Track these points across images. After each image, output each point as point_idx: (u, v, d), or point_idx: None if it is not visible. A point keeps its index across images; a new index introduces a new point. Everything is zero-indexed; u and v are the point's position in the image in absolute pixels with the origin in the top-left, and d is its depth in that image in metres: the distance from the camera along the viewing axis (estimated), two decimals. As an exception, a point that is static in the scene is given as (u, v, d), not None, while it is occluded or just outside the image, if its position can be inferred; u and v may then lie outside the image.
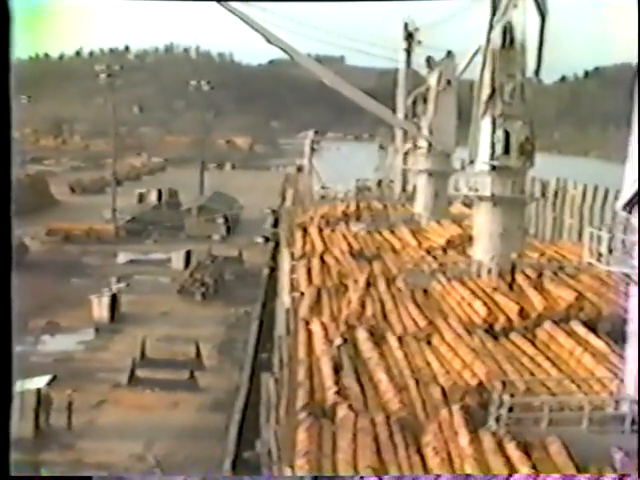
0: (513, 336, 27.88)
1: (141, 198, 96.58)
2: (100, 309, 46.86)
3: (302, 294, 34.45)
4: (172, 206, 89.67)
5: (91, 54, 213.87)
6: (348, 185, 77.41)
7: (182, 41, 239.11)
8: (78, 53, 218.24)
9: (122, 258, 65.79)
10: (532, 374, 24.16)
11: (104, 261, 64.40)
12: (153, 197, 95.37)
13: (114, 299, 47.69)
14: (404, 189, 68.38)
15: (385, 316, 30.64)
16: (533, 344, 26.96)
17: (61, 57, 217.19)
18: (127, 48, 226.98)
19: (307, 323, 29.71)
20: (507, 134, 35.95)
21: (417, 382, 23.12)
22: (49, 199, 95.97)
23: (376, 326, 29.17)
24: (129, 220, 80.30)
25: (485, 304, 30.28)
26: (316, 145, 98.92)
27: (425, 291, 33.78)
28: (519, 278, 33.46)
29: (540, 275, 34.36)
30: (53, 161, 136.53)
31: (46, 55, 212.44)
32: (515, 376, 23.45)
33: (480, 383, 22.82)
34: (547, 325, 28.28)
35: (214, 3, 43.96)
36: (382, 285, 34.79)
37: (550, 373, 24.27)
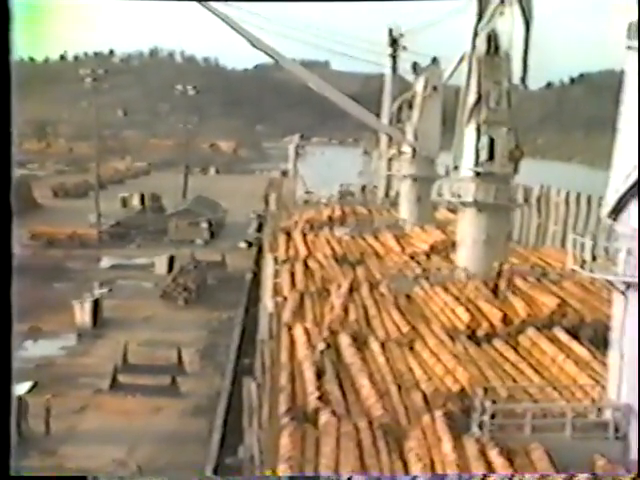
0: (496, 342, 27.85)
1: (125, 202, 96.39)
2: (82, 314, 46.72)
3: (285, 299, 34.33)
4: (156, 210, 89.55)
5: (76, 58, 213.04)
6: (332, 190, 77.26)
7: (167, 45, 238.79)
8: (63, 57, 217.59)
9: (105, 263, 65.60)
10: (515, 381, 24.14)
11: (87, 266, 64.18)
12: (136, 201, 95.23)
13: (97, 304, 47.57)
14: (387, 194, 68.34)
15: (368, 321, 30.56)
16: (516, 350, 26.93)
17: (46, 61, 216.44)
18: (112, 52, 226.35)
19: (290, 328, 29.60)
20: (492, 140, 36.03)
21: (399, 388, 23.06)
22: (32, 203, 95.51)
23: (359, 331, 29.10)
24: (112, 224, 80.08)
25: (468, 310, 30.21)
26: (301, 149, 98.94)
27: (408, 297, 33.70)
28: (502, 284, 33.42)
29: (523, 281, 34.36)
30: (37, 165, 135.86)
31: (31, 59, 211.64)
32: (498, 382, 23.41)
33: (462, 389, 22.79)
34: (530, 331, 28.25)
35: (199, 7, 43.87)
36: (365, 290, 34.69)
37: (533, 380, 24.26)
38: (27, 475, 24.18)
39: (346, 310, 31.53)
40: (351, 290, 34.69)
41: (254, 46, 44.55)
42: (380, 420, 20.56)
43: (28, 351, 42.17)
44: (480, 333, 28.78)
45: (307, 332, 28.64)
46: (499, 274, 33.73)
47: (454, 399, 22.10)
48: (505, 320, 29.28)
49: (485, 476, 17.62)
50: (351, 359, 25.74)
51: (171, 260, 61.70)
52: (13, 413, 17.18)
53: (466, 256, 36.71)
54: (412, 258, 42.06)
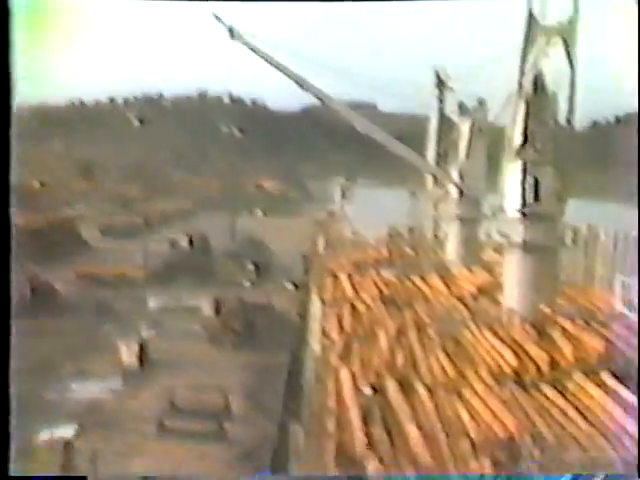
0: (543, 387, 27.49)
1: (172, 243, 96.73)
2: (129, 355, 46.82)
3: (332, 341, 34.21)
4: (203, 251, 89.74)
5: (125, 101, 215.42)
6: (379, 231, 77.06)
7: (216, 87, 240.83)
8: (112, 100, 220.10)
9: (152, 304, 65.73)
10: (562, 427, 23.79)
11: (134, 306, 64.31)
12: (184, 242, 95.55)
13: (143, 345, 47.63)
14: (435, 235, 68.01)
15: (415, 365, 30.37)
16: (563, 395, 26.56)
17: (96, 103, 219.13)
18: (161, 95, 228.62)
19: (337, 371, 29.47)
20: (537, 181, 35.81)
21: (447, 435, 22.82)
22: (80, 243, 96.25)
23: (406, 375, 28.91)
24: (160, 265, 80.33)
25: (515, 353, 29.90)
26: (347, 190, 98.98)
27: (455, 339, 33.45)
28: (549, 326, 33.07)
29: (571, 323, 33.96)
30: (84, 205, 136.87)
31: (81, 102, 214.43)
32: (545, 429, 23.08)
33: (510, 436, 22.49)
34: (577, 376, 27.87)
35: (246, 50, 44.39)
36: (412, 333, 34.49)
37: (580, 426, 23.88)
38: (27, 475, 24.13)
39: (393, 353, 31.37)
40: (398, 333, 34.52)
41: (302, 88, 44.89)
42: (428, 468, 20.34)
43: (74, 392, 42.28)
44: (527, 377, 28.46)
45: (354, 376, 28.48)
46: (544, 316, 33.42)
47: (502, 446, 21.82)
48: (552, 364, 28.93)
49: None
50: (398, 404, 25.55)
51: (218, 302, 61.70)
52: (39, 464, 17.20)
53: (513, 297, 36.35)
54: (459, 300, 41.79)
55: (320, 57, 46.75)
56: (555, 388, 27.26)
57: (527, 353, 30.20)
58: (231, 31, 45.34)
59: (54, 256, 77.14)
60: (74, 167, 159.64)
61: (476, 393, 26.48)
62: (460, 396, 26.62)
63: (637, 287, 19.75)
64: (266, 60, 44.89)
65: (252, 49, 44.92)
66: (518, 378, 28.34)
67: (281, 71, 45.05)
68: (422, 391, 26.86)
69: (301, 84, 45.01)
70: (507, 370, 28.87)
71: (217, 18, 45.42)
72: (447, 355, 30.95)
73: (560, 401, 26.02)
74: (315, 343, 37.17)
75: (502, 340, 32.08)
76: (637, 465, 18.45)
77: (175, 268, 79.32)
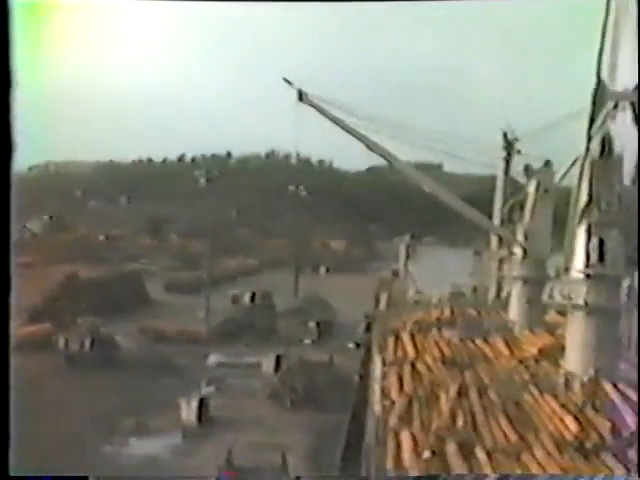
0: (604, 455, 26.80)
1: (235, 299, 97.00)
2: (189, 412, 46.78)
3: (392, 403, 33.85)
4: (266, 308, 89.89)
5: (193, 160, 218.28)
6: (442, 290, 76.64)
7: (283, 147, 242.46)
8: (180, 159, 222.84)
9: (213, 360, 65.81)
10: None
11: (195, 362, 64.48)
12: (247, 299, 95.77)
13: (203, 402, 47.54)
14: (498, 295, 67.45)
15: (476, 428, 29.89)
16: (625, 465, 25.85)
17: (163, 161, 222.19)
18: (229, 154, 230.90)
19: (396, 433, 29.09)
20: (602, 242, 35.36)
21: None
22: (144, 297, 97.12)
23: (466, 438, 28.44)
24: (222, 321, 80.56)
25: (577, 419, 29.28)
26: (412, 249, 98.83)
27: (516, 403, 32.89)
28: (611, 392, 32.39)
29: (632, 389, 33.20)
30: (149, 260, 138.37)
31: (149, 160, 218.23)
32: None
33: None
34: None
35: (315, 113, 44.97)
36: (474, 395, 34.00)
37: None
38: (27, 475, 23.95)
39: (454, 416, 30.94)
40: (459, 395, 34.09)
41: (369, 149, 45.21)
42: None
43: (132, 448, 42.24)
44: (589, 444, 27.80)
45: (414, 438, 28.09)
46: (606, 381, 32.78)
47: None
48: (614, 431, 28.25)
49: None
50: (457, 468, 25.11)
51: (278, 359, 61.57)
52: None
53: (575, 361, 35.69)
54: (521, 362, 41.20)
55: (386, 118, 47.05)
56: (615, 457, 26.56)
57: (589, 419, 29.58)
58: (300, 93, 45.93)
59: (117, 309, 77.99)
60: (140, 223, 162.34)
61: (536, 459, 25.92)
62: (519, 461, 26.07)
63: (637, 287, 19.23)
64: (333, 121, 45.39)
65: (320, 111, 45.46)
66: (579, 445, 27.69)
67: (348, 132, 45.50)
68: (482, 455, 26.35)
69: (368, 144, 45.37)
70: (568, 436, 28.25)
71: (286, 81, 46.08)
72: (508, 419, 30.40)
73: (620, 471, 25.35)
74: (375, 403, 36.79)
75: (563, 405, 31.48)
76: (637, 465, 17.85)
77: (237, 325, 79.52)
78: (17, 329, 67.51)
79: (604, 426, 28.46)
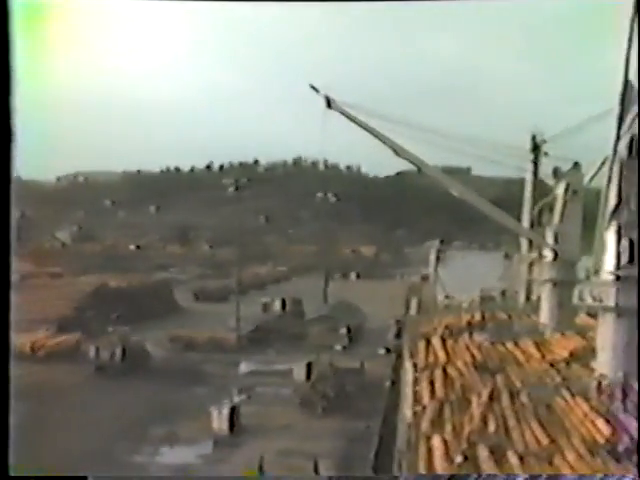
0: (636, 458, 26.56)
1: (265, 307, 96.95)
2: (220, 420, 46.60)
3: (424, 408, 33.76)
4: (296, 315, 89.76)
5: (221, 167, 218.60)
6: (472, 294, 76.43)
7: (310, 154, 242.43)
8: (209, 167, 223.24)
9: (244, 368, 65.73)
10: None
11: (226, 370, 64.37)
12: (277, 306, 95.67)
13: (234, 410, 47.42)
14: (528, 299, 67.18)
15: (507, 432, 29.74)
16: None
17: (192, 170, 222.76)
18: (256, 162, 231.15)
19: (428, 438, 29.00)
20: (633, 243, 35.12)
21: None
22: (173, 306, 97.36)
23: (498, 443, 28.30)
24: (252, 329, 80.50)
25: (608, 422, 29.06)
26: (441, 254, 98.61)
27: (548, 407, 32.71)
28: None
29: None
30: (178, 268, 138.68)
31: (177, 169, 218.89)
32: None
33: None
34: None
35: (342, 119, 45.00)
36: (505, 399, 33.88)
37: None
38: (27, 475, 23.99)
39: (485, 420, 30.81)
40: (491, 399, 33.95)
41: (397, 154, 45.14)
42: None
43: (163, 457, 42.19)
44: (620, 447, 27.56)
45: (445, 443, 28.00)
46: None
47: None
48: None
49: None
50: (489, 472, 24.99)
51: (309, 366, 61.40)
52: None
53: (606, 363, 35.50)
54: (552, 365, 41.01)
55: (412, 123, 46.99)
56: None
57: (620, 422, 29.34)
58: (327, 100, 46.00)
59: (147, 318, 78.19)
60: (169, 231, 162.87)
61: (567, 462, 25.74)
62: (551, 465, 25.90)
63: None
64: (361, 127, 45.39)
65: (349, 117, 45.52)
66: (611, 448, 27.46)
67: (376, 137, 45.46)
68: (513, 459, 26.20)
69: (396, 150, 45.30)
70: (599, 439, 28.04)
71: (313, 88, 46.15)
72: (540, 423, 30.24)
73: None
74: (407, 408, 36.66)
75: (594, 408, 31.27)
76: (637, 465, 17.66)
77: (267, 332, 79.41)
78: (47, 339, 67.82)
79: (636, 429, 28.22)
